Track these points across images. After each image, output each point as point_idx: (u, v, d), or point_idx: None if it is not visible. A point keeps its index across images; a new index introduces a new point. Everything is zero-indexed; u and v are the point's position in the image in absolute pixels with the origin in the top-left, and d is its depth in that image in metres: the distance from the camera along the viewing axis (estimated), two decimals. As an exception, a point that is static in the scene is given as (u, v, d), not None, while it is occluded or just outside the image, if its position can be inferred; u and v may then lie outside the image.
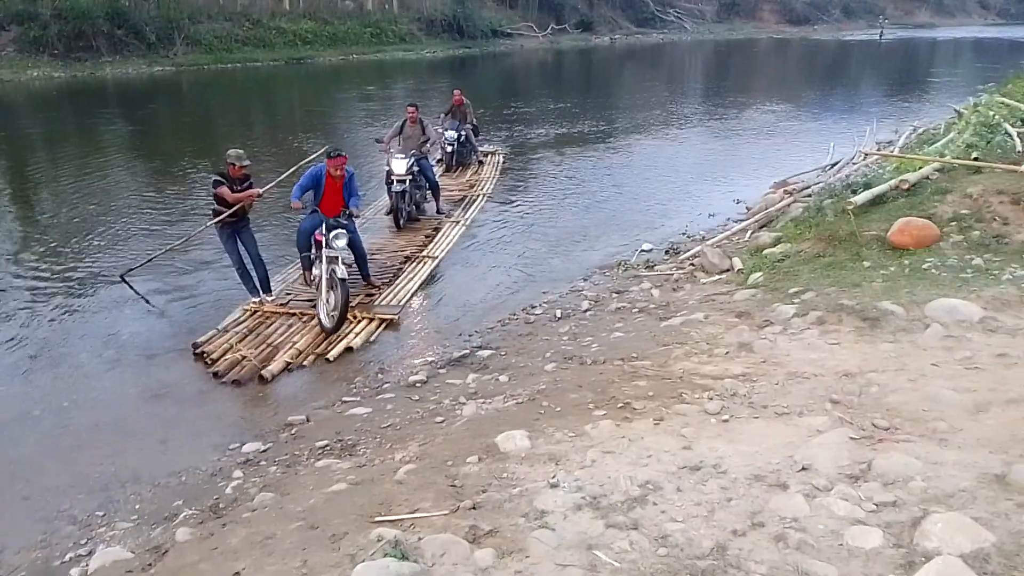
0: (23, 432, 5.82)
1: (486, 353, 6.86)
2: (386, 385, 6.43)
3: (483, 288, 8.94)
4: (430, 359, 6.93)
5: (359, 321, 7.67)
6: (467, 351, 6.95)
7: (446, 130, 13.94)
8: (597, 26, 54.55)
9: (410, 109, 11.28)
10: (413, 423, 5.37)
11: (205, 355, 6.98)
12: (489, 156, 15.18)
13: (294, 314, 7.80)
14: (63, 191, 13.28)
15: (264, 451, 5.39)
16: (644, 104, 25.58)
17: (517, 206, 12.52)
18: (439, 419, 5.30)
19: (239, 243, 7.86)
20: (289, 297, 8.23)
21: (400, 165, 10.39)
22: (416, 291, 8.65)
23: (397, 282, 8.77)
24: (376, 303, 8.20)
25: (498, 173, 14.19)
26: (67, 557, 4.26)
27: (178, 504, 4.70)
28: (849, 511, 2.97)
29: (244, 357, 6.89)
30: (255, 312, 7.80)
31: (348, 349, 7.19)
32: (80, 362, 6.99)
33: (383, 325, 7.73)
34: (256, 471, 5.05)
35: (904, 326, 5.50)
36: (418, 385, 6.27)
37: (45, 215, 12.16)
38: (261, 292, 8.01)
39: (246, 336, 7.33)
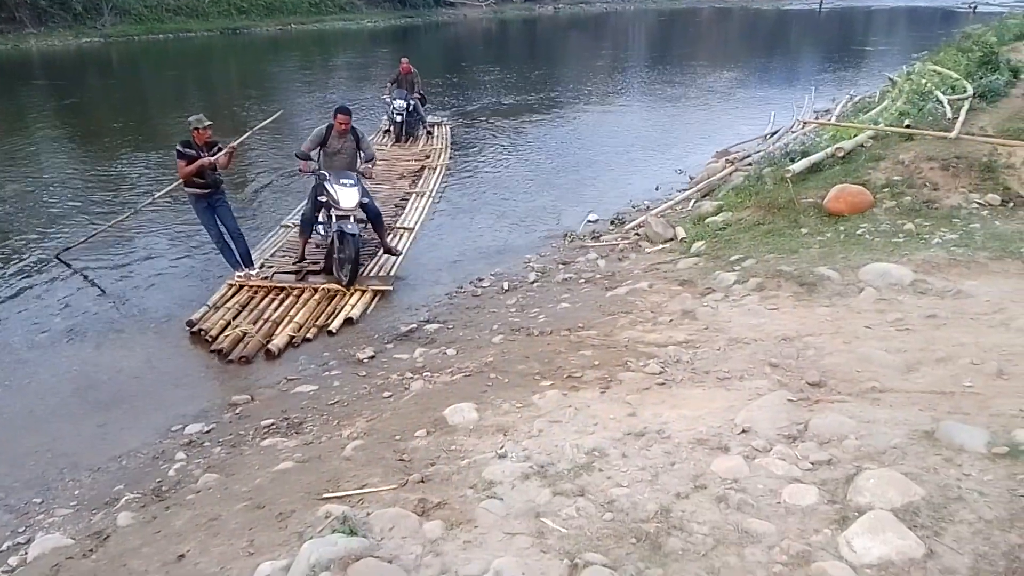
0: (-47, 421, 5.59)
1: (433, 327, 6.84)
2: (332, 362, 6.36)
3: (431, 260, 8.90)
4: (377, 334, 6.88)
5: (353, 293, 7.58)
6: (414, 325, 6.93)
7: (395, 99, 13.72)
8: (541, -5, 54.08)
9: (340, 117, 7.82)
10: (360, 399, 5.33)
11: (203, 332, 6.83)
12: (435, 127, 15.03)
13: (283, 288, 7.65)
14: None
15: (208, 432, 5.30)
16: (589, 75, 25.56)
17: (464, 178, 12.43)
18: (387, 394, 5.28)
19: (216, 217, 7.60)
20: (272, 271, 8.04)
21: (350, 196, 7.56)
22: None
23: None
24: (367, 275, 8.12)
25: (449, 144, 14.07)
26: (4, 546, 4.14)
27: (119, 488, 4.60)
28: (787, 470, 3.06)
29: (246, 333, 6.76)
30: (241, 287, 7.62)
31: (348, 320, 7.14)
32: (12, 346, 6.74)
33: (378, 296, 7.67)
34: (200, 452, 4.96)
35: (839, 290, 5.67)
36: (365, 361, 6.22)
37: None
38: (243, 266, 7.77)
39: (240, 312, 7.18)
